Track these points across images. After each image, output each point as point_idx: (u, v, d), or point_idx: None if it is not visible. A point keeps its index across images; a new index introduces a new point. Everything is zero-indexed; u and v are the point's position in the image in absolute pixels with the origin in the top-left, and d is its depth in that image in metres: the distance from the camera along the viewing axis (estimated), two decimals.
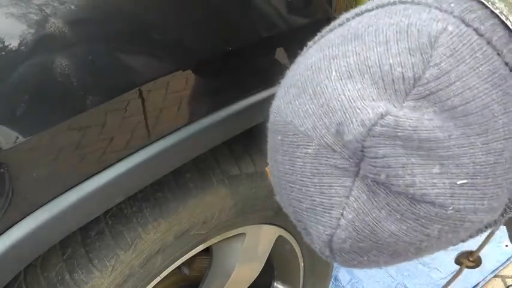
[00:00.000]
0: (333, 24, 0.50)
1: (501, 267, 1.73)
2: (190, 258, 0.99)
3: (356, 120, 0.40)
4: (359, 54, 0.42)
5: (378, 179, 0.41)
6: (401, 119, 0.39)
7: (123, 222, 0.84)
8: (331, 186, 0.43)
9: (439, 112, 0.40)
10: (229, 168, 0.96)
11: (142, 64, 0.69)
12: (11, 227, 0.62)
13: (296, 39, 0.89)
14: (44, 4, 0.59)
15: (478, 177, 0.42)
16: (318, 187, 0.44)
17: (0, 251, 0.62)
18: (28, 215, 0.63)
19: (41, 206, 0.64)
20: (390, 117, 0.39)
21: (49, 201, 0.65)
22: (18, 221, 0.63)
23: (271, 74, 0.88)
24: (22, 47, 0.57)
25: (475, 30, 0.42)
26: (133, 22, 0.68)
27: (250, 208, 0.99)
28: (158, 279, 0.93)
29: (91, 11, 0.64)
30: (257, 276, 1.19)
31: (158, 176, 0.78)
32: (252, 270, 1.17)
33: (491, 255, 1.76)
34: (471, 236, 0.49)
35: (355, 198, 0.42)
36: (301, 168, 0.45)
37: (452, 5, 0.43)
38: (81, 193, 0.67)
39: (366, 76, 0.41)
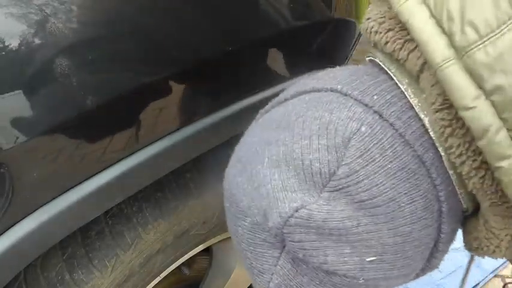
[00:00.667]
0: (275, 101, 0.57)
1: (501, 267, 1.73)
2: (190, 258, 0.99)
3: (276, 211, 0.46)
4: (287, 145, 0.48)
5: (297, 256, 0.48)
6: (313, 212, 0.45)
7: (123, 222, 0.84)
8: (263, 255, 0.51)
9: (350, 203, 0.46)
10: None
11: (143, 64, 0.69)
12: (11, 227, 0.63)
13: (296, 40, 0.90)
14: (44, 4, 0.59)
15: (387, 254, 0.48)
16: (253, 254, 0.52)
17: (0, 251, 0.62)
18: (28, 215, 0.63)
19: (41, 206, 0.64)
20: (304, 210, 0.45)
21: (49, 201, 0.65)
22: (18, 221, 0.63)
23: (271, 75, 0.89)
24: (22, 47, 0.57)
25: (391, 125, 0.47)
26: (134, 22, 0.68)
27: None
28: (158, 279, 0.93)
29: (91, 11, 0.64)
30: None
31: (158, 176, 0.78)
32: None
33: None
34: None
35: (281, 267, 0.50)
36: (241, 235, 0.53)
37: (375, 97, 0.48)
38: (81, 193, 0.67)
39: (290, 167, 0.47)
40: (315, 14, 0.92)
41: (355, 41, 1.01)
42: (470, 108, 0.42)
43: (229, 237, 1.06)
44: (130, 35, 0.67)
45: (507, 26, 0.41)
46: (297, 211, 0.46)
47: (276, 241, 0.49)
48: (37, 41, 0.58)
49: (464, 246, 0.55)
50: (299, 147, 0.47)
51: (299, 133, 0.48)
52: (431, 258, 0.53)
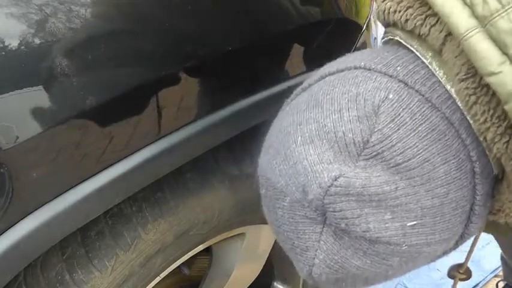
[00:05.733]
0: (299, 88, 0.58)
1: (501, 268, 1.73)
2: (190, 258, 0.99)
3: (315, 183, 0.48)
4: (318, 121, 0.50)
5: (340, 227, 0.49)
6: (352, 179, 0.47)
7: (123, 222, 0.84)
8: (305, 232, 0.51)
9: (386, 168, 0.47)
10: (229, 168, 0.95)
11: (142, 64, 0.69)
12: (11, 226, 0.62)
13: (296, 39, 0.90)
14: (44, 4, 0.59)
15: (427, 218, 0.49)
16: (294, 233, 0.52)
17: (0, 251, 0.62)
18: (28, 215, 0.63)
19: (41, 206, 0.64)
20: (342, 178, 0.47)
21: (49, 201, 0.65)
22: (18, 221, 0.63)
23: (271, 74, 0.88)
24: (22, 47, 0.57)
25: (417, 91, 0.49)
26: (133, 22, 0.68)
27: (250, 208, 0.99)
28: (158, 279, 0.93)
29: (90, 11, 0.64)
30: (257, 276, 1.19)
31: (158, 176, 0.77)
32: (251, 270, 1.17)
33: (491, 256, 1.76)
34: (433, 261, 0.56)
35: (324, 242, 0.50)
36: (281, 217, 0.53)
37: (398, 68, 0.50)
38: (81, 193, 0.67)
39: (324, 141, 0.49)
40: (315, 14, 0.92)
41: (356, 41, 1.01)
42: (496, 73, 0.44)
43: (229, 237, 1.06)
44: (130, 35, 0.67)
45: None
46: (336, 180, 0.47)
47: (317, 215, 0.50)
48: (37, 41, 0.58)
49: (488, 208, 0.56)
50: (330, 122, 0.49)
51: (329, 108, 0.50)
52: (469, 223, 0.54)
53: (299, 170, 0.50)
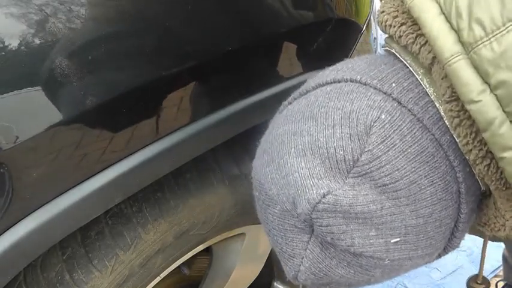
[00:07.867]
0: (297, 92, 0.59)
1: (501, 268, 1.73)
2: (190, 258, 0.99)
3: (304, 198, 0.49)
4: (312, 135, 0.51)
5: (326, 240, 0.50)
6: (339, 198, 0.48)
7: (123, 222, 0.84)
8: (293, 240, 0.53)
9: (374, 188, 0.48)
10: (229, 168, 0.95)
11: (142, 64, 0.69)
12: (11, 226, 0.62)
13: (296, 39, 0.90)
14: (44, 4, 0.59)
15: (410, 235, 0.51)
16: (283, 239, 0.54)
17: (1, 250, 0.62)
18: (28, 215, 0.63)
19: (41, 206, 0.64)
20: (331, 196, 0.48)
21: (49, 201, 0.65)
22: (18, 221, 0.63)
23: (271, 75, 0.88)
24: (22, 47, 0.57)
25: (410, 110, 0.50)
26: (133, 22, 0.68)
27: (251, 208, 0.99)
28: (158, 279, 0.93)
29: (90, 11, 0.64)
30: (257, 276, 1.19)
31: (158, 176, 0.77)
32: (251, 270, 1.17)
33: (491, 256, 1.75)
34: (416, 268, 0.58)
35: (310, 251, 0.52)
36: (271, 222, 0.55)
37: (393, 85, 0.51)
38: (81, 193, 0.67)
39: (316, 156, 0.50)
40: (315, 14, 0.92)
41: (356, 41, 1.01)
42: (476, 101, 0.44)
43: (229, 237, 1.06)
44: (130, 36, 0.67)
45: None
46: (324, 197, 0.48)
47: (304, 226, 0.51)
48: (37, 41, 0.58)
49: (476, 221, 0.57)
50: (323, 137, 0.50)
51: (323, 123, 0.51)
52: (452, 238, 0.55)
53: (290, 182, 0.51)
